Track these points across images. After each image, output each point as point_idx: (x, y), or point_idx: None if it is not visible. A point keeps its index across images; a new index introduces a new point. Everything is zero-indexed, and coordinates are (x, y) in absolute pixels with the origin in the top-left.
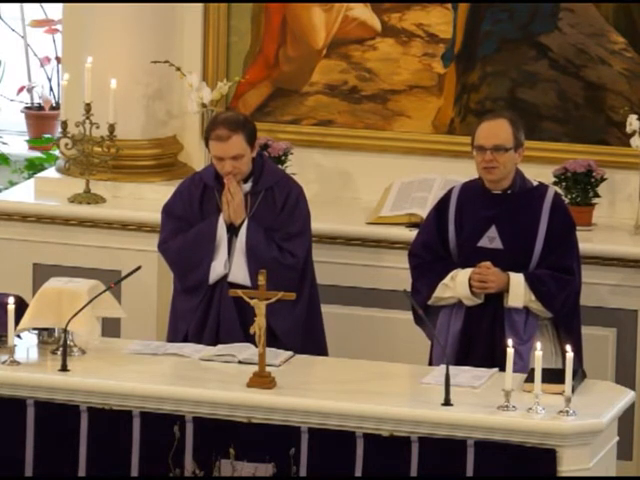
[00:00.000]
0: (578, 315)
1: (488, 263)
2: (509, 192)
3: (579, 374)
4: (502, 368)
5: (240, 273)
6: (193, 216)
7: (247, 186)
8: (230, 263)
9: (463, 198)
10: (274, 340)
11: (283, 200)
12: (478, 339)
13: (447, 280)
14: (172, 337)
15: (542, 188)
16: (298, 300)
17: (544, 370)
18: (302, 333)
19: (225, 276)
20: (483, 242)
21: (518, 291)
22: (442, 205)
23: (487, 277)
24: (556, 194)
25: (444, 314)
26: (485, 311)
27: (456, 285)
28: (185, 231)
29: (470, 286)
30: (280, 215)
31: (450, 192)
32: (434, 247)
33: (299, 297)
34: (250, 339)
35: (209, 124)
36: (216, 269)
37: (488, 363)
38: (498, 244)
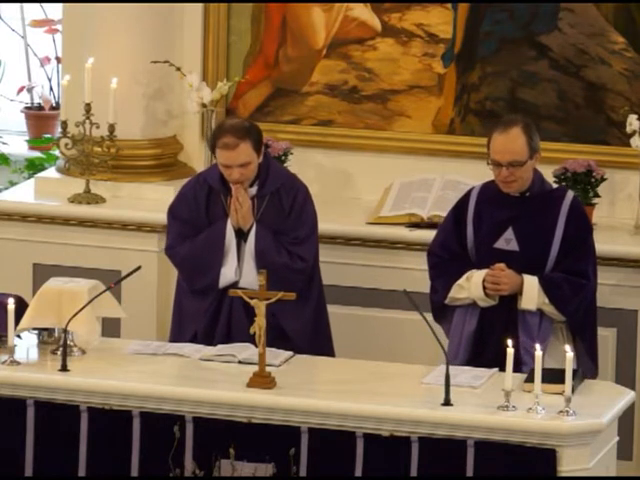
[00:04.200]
0: (594, 319)
1: (502, 265)
2: (527, 194)
3: (579, 374)
4: (513, 369)
5: (250, 278)
6: (199, 219)
7: (253, 190)
8: (240, 268)
9: (482, 199)
10: (286, 341)
11: (290, 203)
12: (491, 340)
13: (462, 281)
14: (177, 337)
15: (561, 191)
16: (307, 301)
17: (544, 370)
18: (310, 334)
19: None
20: (499, 243)
21: (532, 293)
22: (461, 205)
23: (500, 279)
24: (575, 198)
25: (459, 314)
26: (499, 313)
27: (471, 286)
28: (192, 235)
29: (484, 287)
30: (288, 219)
31: (469, 192)
32: (452, 247)
33: (308, 298)
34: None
35: (215, 131)
36: (226, 275)
37: (501, 364)
38: (514, 246)
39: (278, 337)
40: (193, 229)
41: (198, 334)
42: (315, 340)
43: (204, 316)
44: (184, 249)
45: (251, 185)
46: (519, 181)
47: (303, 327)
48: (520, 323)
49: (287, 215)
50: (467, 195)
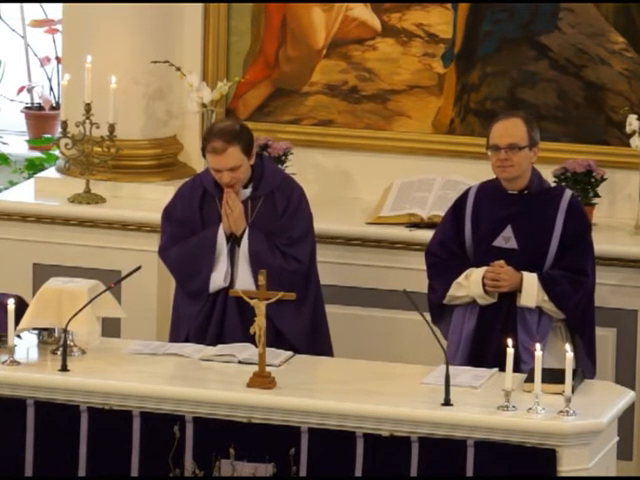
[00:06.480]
0: (592, 317)
1: (501, 262)
2: (526, 192)
3: (579, 374)
4: (513, 368)
5: (245, 282)
6: (193, 219)
7: (247, 191)
8: (235, 273)
9: (480, 197)
10: (281, 342)
11: (284, 204)
12: (491, 339)
13: (461, 279)
14: (173, 338)
15: (559, 189)
16: (304, 302)
17: (544, 370)
18: (308, 335)
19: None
20: (498, 242)
21: (531, 290)
22: (459, 204)
23: (500, 276)
24: (573, 196)
25: (458, 313)
26: (498, 311)
27: (470, 284)
28: (185, 236)
29: (483, 285)
30: (282, 219)
31: (467, 191)
32: (450, 246)
33: (305, 299)
34: (252, 343)
35: (205, 135)
36: (216, 281)
37: (501, 362)
38: (513, 244)
39: (275, 338)
40: (187, 230)
41: (190, 335)
42: (313, 342)
43: (196, 318)
44: (176, 252)
45: (245, 186)
46: (516, 167)
47: (300, 329)
48: (519, 321)
49: (281, 216)
50: (465, 194)
